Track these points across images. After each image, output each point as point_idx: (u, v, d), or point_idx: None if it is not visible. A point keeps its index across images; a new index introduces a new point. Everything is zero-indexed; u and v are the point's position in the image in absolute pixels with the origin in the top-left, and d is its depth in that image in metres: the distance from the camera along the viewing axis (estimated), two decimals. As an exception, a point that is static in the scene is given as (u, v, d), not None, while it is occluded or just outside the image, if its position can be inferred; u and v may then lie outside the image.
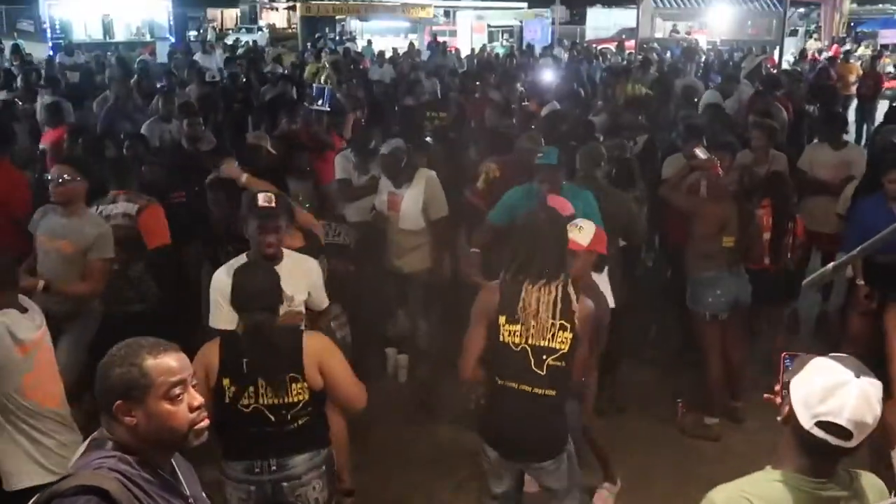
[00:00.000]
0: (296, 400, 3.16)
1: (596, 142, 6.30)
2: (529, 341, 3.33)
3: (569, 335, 3.32)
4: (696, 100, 9.71)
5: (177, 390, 1.96)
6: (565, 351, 3.33)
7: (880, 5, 37.25)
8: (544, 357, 3.33)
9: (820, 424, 1.90)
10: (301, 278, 3.90)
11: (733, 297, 5.14)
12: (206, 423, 2.04)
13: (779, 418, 2.05)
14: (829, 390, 1.90)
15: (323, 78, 12.93)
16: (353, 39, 30.46)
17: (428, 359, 5.78)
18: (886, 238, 5.04)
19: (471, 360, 3.45)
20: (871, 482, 2.11)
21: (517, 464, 3.60)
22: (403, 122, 8.03)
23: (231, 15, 42.45)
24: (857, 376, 1.90)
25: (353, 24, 33.64)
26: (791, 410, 1.98)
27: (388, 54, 19.70)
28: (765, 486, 2.04)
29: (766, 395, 2.18)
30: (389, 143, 5.76)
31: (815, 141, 7.52)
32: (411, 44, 23.57)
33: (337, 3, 33.36)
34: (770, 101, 8.81)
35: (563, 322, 3.31)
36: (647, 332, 6.45)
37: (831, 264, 5.67)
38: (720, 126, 7.09)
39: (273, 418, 3.15)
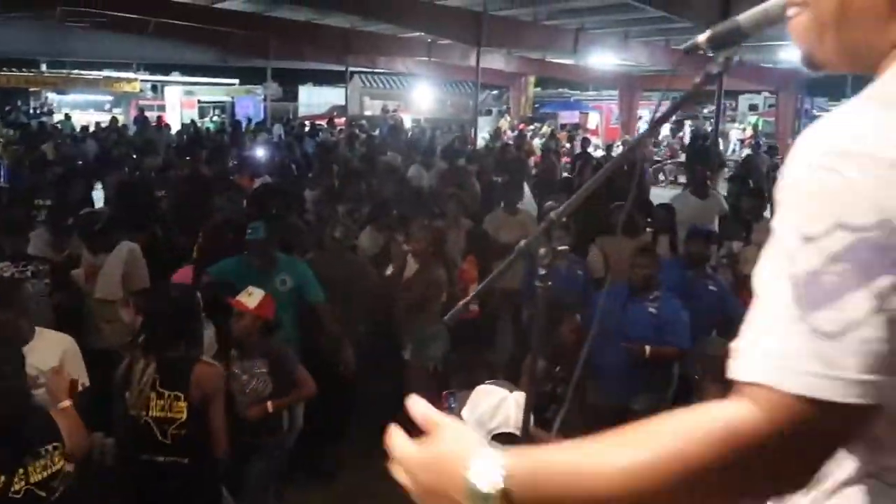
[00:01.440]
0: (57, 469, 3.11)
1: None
2: (151, 414, 3.57)
3: (183, 404, 3.56)
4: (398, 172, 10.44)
5: None
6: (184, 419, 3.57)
7: (559, 90, 42.12)
8: (166, 427, 3.57)
9: (495, 437, 2.30)
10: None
11: (443, 349, 5.65)
12: None
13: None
14: (495, 407, 2.33)
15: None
16: (49, 113, 28.60)
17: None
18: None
19: None
20: None
21: None
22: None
23: None
24: (511, 391, 2.35)
25: (51, 97, 31.61)
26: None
27: (91, 128, 18.83)
28: None
29: None
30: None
31: (499, 207, 8.36)
32: (114, 118, 22.66)
33: (29, 74, 31.23)
34: (463, 173, 9.71)
35: (175, 393, 3.56)
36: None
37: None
38: (414, 198, 7.72)
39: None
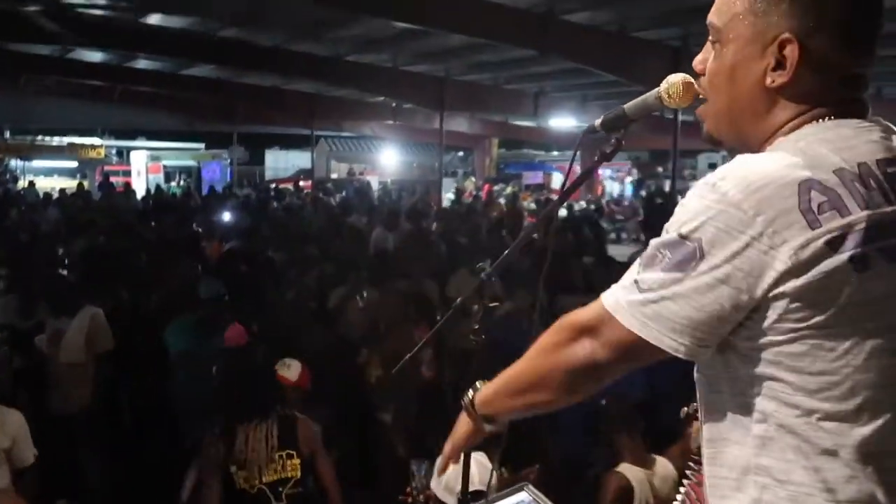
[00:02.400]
0: None
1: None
2: (263, 480, 3.50)
3: (297, 461, 3.56)
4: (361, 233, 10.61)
5: None
6: (298, 477, 3.56)
7: (524, 150, 42.92)
8: (280, 489, 3.52)
9: (461, 499, 2.42)
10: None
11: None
12: None
13: None
14: (458, 472, 2.44)
15: None
16: (14, 181, 28.50)
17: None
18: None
19: None
20: None
21: None
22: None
23: None
24: (470, 454, 2.47)
25: (14, 164, 31.50)
26: (438, 500, 2.48)
27: (55, 195, 18.86)
28: None
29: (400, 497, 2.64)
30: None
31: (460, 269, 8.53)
32: (80, 184, 22.69)
33: (-7, 141, 31.16)
34: (425, 235, 9.90)
35: (288, 452, 3.55)
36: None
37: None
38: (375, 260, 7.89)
39: None
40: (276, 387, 3.81)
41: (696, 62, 1.31)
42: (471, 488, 2.42)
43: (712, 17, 1.27)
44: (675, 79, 1.37)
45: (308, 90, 21.38)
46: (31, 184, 24.97)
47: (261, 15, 12.67)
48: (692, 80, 1.35)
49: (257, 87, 21.21)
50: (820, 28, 1.17)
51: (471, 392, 1.55)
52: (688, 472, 1.98)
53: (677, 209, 1.19)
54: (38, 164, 30.92)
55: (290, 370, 4.21)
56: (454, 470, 2.47)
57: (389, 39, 13.84)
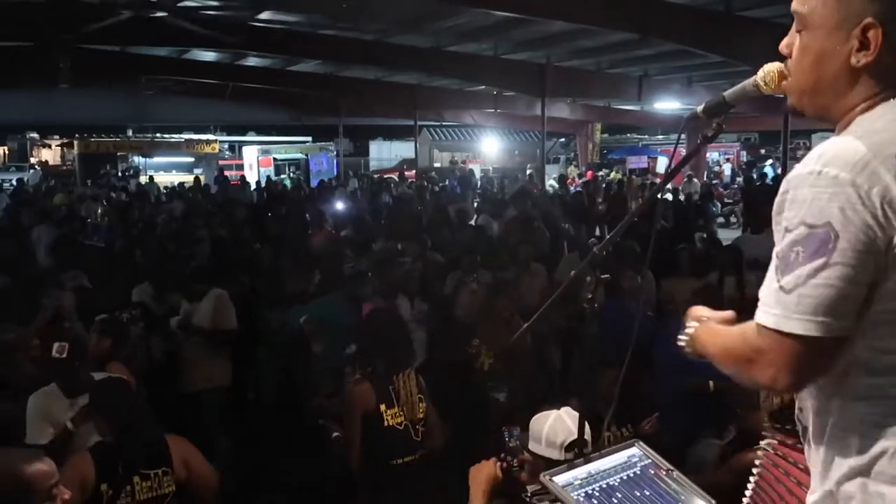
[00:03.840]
0: (167, 492, 3.48)
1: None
2: (407, 418, 4.01)
3: (424, 405, 4.10)
4: (469, 221, 10.82)
5: (54, 490, 2.28)
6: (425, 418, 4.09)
7: (627, 134, 42.25)
8: (418, 427, 4.03)
9: (567, 448, 2.58)
10: None
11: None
12: None
13: (524, 476, 2.65)
14: (553, 427, 2.64)
15: (99, 214, 13.00)
16: (136, 175, 30.09)
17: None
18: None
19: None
20: None
21: None
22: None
23: (-1, 153, 40.50)
24: (559, 409, 2.67)
25: (136, 160, 33.25)
26: (537, 458, 2.63)
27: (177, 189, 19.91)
28: None
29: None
30: None
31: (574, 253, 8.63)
32: (197, 178, 23.78)
33: (117, 140, 32.95)
34: (530, 221, 9.99)
35: (420, 396, 4.08)
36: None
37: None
38: (485, 246, 8.06)
39: None
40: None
41: (783, 46, 1.47)
42: (573, 438, 2.57)
43: (797, 6, 1.41)
44: (771, 67, 1.53)
45: (410, 81, 21.70)
46: (151, 178, 26.37)
47: (364, 10, 13.00)
48: (784, 69, 1.49)
49: (361, 80, 21.69)
50: None
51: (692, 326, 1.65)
52: (766, 434, 2.07)
53: (788, 205, 1.30)
54: (157, 159, 32.54)
55: None
56: (549, 426, 2.65)
57: (490, 29, 13.94)
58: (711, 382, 4.91)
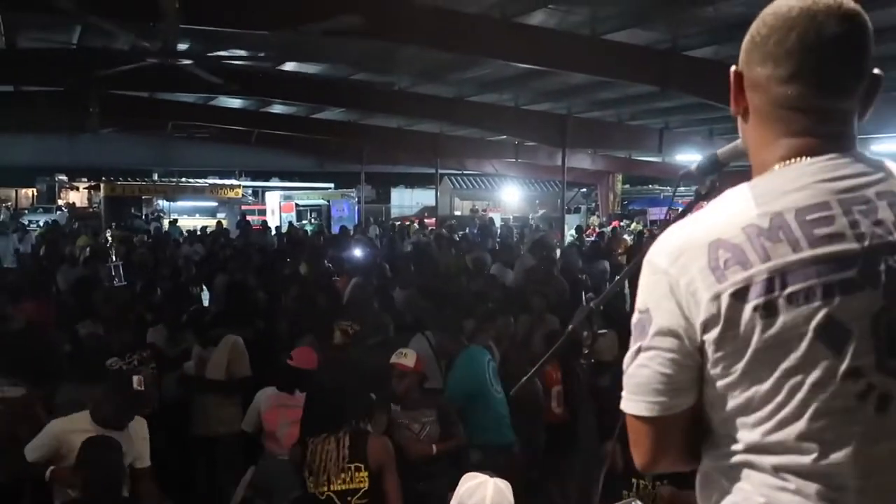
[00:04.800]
0: None
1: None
2: (332, 488, 3.80)
3: (364, 474, 3.83)
4: (486, 269, 10.82)
5: None
6: (366, 488, 3.82)
7: (649, 186, 42.27)
8: (349, 499, 3.79)
9: None
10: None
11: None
12: None
13: None
14: (472, 489, 2.70)
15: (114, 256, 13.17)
16: (159, 219, 30.46)
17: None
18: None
19: None
20: None
21: None
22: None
23: (27, 194, 41.18)
24: (491, 476, 2.70)
25: (161, 203, 33.69)
26: None
27: (198, 233, 20.13)
28: None
29: None
30: None
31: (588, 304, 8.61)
32: (219, 222, 24.02)
33: (143, 183, 33.45)
34: (548, 270, 9.98)
35: (356, 464, 3.83)
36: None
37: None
38: (499, 293, 8.05)
39: None
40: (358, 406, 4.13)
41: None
42: None
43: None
44: None
45: (432, 130, 21.93)
46: (175, 221, 26.67)
47: (387, 60, 13.22)
48: None
49: (383, 128, 21.95)
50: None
51: None
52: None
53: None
54: (181, 203, 32.94)
55: (408, 358, 4.79)
56: (467, 487, 2.70)
57: (511, 80, 14.11)
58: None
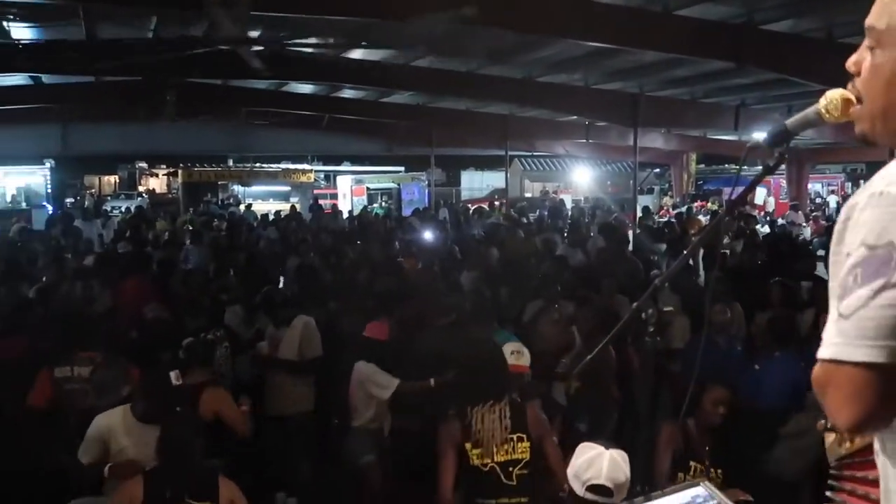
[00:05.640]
0: None
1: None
2: (496, 459, 3.77)
3: (526, 444, 3.80)
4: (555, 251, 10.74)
5: None
6: (528, 459, 3.80)
7: (724, 165, 41.26)
8: (510, 469, 3.77)
9: (589, 488, 2.59)
10: None
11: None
12: None
13: (561, 494, 2.73)
14: (589, 461, 2.63)
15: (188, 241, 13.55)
16: (236, 204, 31.13)
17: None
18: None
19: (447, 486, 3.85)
20: None
21: None
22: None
23: (109, 181, 42.51)
24: (607, 448, 2.64)
25: (236, 189, 34.44)
26: (568, 486, 2.68)
27: (271, 217, 20.55)
28: None
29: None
30: None
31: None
32: (293, 206, 24.41)
33: (219, 169, 34.21)
34: (622, 252, 9.87)
35: (518, 435, 3.80)
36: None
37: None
38: (570, 276, 7.98)
39: None
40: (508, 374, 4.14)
41: (850, 63, 1.35)
42: (597, 481, 2.58)
43: (871, 21, 1.29)
44: (834, 94, 1.41)
45: (501, 112, 21.81)
46: (249, 206, 27.23)
47: (456, 43, 13.17)
48: (850, 95, 1.37)
49: (452, 110, 21.92)
50: None
51: None
52: (832, 482, 1.94)
53: (849, 231, 1.20)
54: (255, 188, 33.59)
55: (523, 358, 4.70)
56: (584, 458, 2.66)
57: (581, 59, 13.91)
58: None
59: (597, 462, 2.64)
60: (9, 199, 24.71)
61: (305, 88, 20.29)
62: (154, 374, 4.46)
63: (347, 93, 20.73)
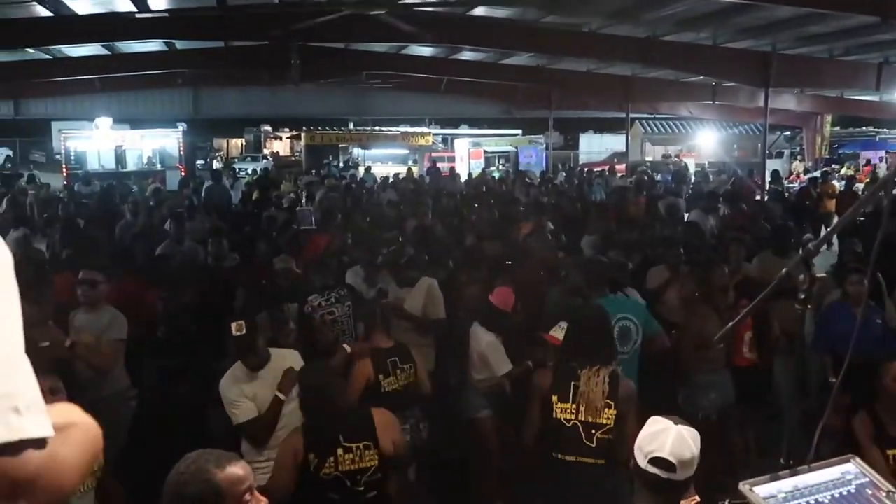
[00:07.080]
0: (368, 465, 3.71)
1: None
2: (580, 418, 3.91)
3: (613, 412, 3.91)
4: (679, 216, 10.41)
5: (247, 497, 2.29)
6: (611, 425, 3.91)
7: (862, 127, 38.90)
8: (593, 432, 3.91)
9: (651, 461, 2.51)
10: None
11: (723, 399, 5.61)
12: None
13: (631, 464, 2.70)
14: (654, 434, 2.57)
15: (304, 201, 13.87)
16: (356, 166, 31.74)
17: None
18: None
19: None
20: None
21: None
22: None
23: (236, 144, 44.10)
24: (676, 424, 2.55)
25: (356, 152, 35.10)
26: (632, 458, 2.68)
27: (390, 179, 20.86)
28: None
29: None
30: None
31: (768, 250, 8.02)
32: (410, 169, 24.67)
33: (340, 132, 34.93)
34: (755, 218, 9.45)
35: (608, 401, 3.91)
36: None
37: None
38: (697, 241, 7.70)
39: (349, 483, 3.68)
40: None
41: None
42: (659, 454, 2.55)
43: None
44: None
45: (623, 73, 21.26)
46: (368, 169, 27.71)
47: (577, 1, 12.87)
48: None
49: (572, 72, 21.53)
50: None
51: None
52: None
53: None
54: (374, 151, 34.15)
55: (562, 331, 4.62)
56: (650, 432, 2.59)
57: (710, 16, 13.35)
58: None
59: (662, 436, 2.60)
60: (145, 160, 25.91)
61: (425, 51, 20.34)
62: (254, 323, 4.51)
63: (466, 55, 20.65)
